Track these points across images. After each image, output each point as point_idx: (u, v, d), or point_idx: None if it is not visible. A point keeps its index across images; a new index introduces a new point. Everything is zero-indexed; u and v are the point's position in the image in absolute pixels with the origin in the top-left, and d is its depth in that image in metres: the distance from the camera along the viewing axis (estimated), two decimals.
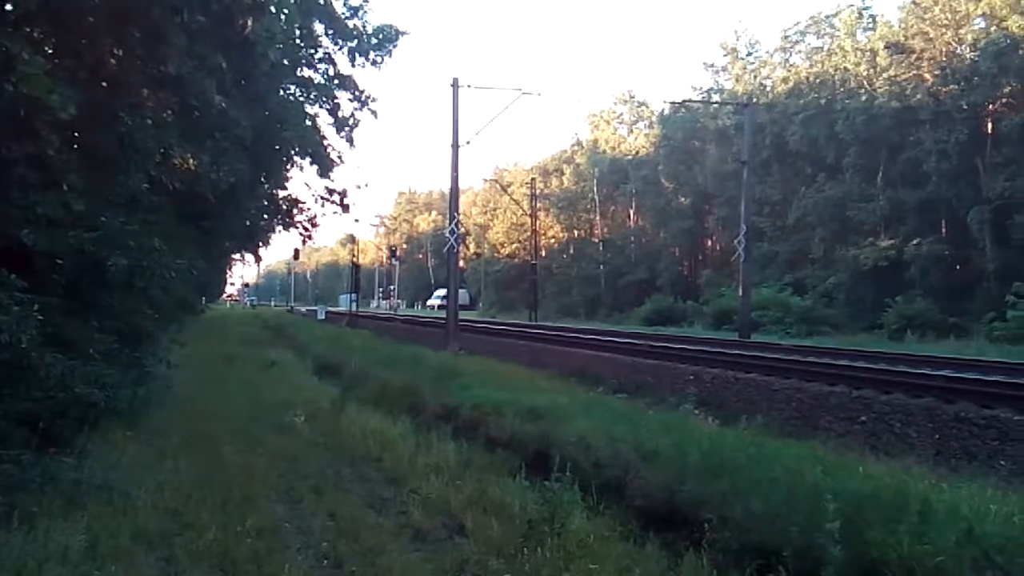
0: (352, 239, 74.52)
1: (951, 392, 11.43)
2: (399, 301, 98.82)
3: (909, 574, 4.43)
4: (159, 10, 7.85)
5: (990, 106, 37.00)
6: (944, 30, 39.10)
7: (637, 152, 67.52)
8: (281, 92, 19.09)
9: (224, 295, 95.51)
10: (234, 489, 6.93)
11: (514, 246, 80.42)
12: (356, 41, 20.99)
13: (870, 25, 47.26)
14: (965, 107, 37.12)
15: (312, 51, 20.90)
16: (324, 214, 26.25)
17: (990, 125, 37.07)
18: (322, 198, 25.36)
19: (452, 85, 28.02)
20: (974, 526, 4.67)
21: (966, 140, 36.57)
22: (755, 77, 56.71)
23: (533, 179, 70.12)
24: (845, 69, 46.24)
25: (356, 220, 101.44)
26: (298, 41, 18.54)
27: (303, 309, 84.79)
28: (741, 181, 34.46)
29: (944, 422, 10.27)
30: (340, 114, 23.25)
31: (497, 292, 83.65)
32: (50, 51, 8.00)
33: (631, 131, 72.37)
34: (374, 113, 23.52)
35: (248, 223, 26.27)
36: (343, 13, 20.69)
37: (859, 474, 6.17)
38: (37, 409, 6.81)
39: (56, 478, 6.15)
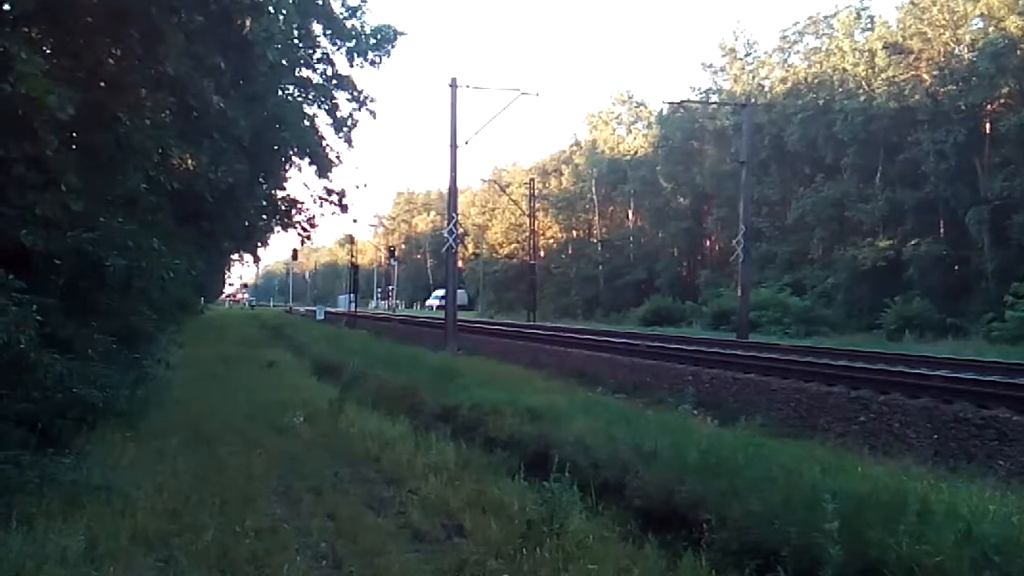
0: (351, 239, 74.54)
1: (949, 392, 11.43)
2: (397, 301, 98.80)
3: (908, 574, 4.43)
4: (157, 10, 7.84)
5: (988, 106, 37.02)
6: (942, 30, 39.13)
7: (635, 152, 67.50)
8: (279, 92, 19.09)
9: (223, 295, 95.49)
10: (233, 490, 6.91)
11: (513, 246, 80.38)
12: (354, 41, 20.98)
13: (868, 25, 47.33)
14: (963, 107, 37.15)
15: (310, 51, 20.91)
16: (323, 214, 26.29)
17: (988, 125, 37.09)
18: (320, 198, 25.40)
19: (450, 85, 28.04)
20: (973, 526, 4.67)
21: (964, 140, 36.58)
22: (753, 77, 56.74)
23: (532, 179, 70.06)
24: (843, 69, 46.27)
25: (355, 220, 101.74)
26: (296, 41, 18.54)
27: (302, 309, 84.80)
28: (740, 181, 34.50)
29: (943, 422, 10.28)
30: (338, 114, 23.28)
31: (496, 292, 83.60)
32: (48, 51, 8.01)
33: (629, 131, 72.38)
34: (372, 113, 23.55)
35: (247, 223, 26.26)
36: (341, 13, 20.69)
37: (858, 474, 6.18)
38: (36, 410, 6.80)
39: (55, 479, 6.14)
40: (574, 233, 76.21)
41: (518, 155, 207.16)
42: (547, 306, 67.38)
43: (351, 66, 21.62)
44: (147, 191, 9.94)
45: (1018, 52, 34.75)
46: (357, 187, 38.44)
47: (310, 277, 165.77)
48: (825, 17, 50.94)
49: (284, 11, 13.87)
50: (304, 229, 27.27)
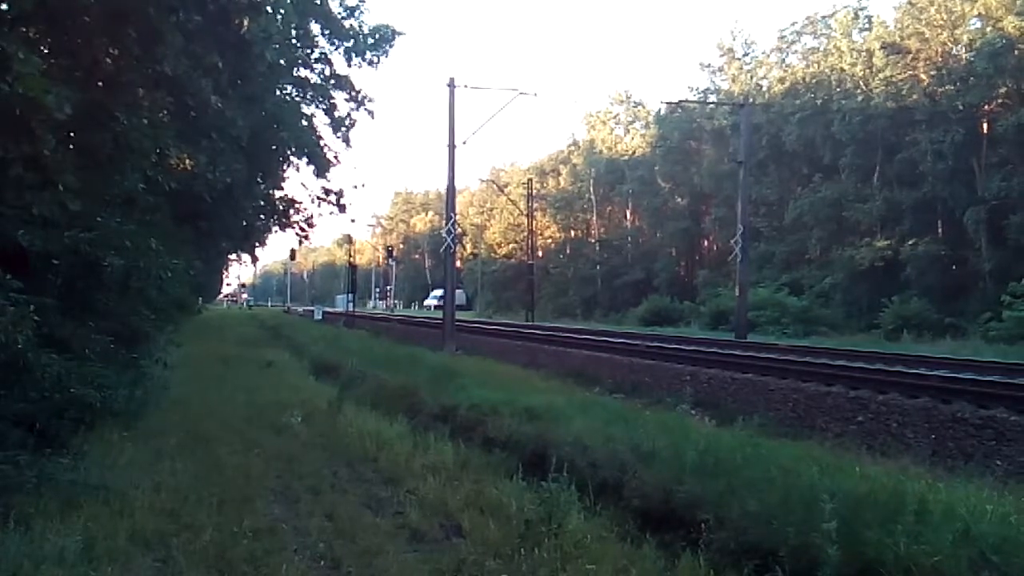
0: (349, 239, 74.66)
1: (948, 392, 11.45)
2: (396, 301, 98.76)
3: (906, 574, 4.43)
4: (155, 10, 7.83)
5: (986, 106, 37.07)
6: (940, 30, 39.19)
7: (633, 152, 67.57)
8: (277, 92, 19.09)
9: (221, 295, 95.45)
10: (231, 490, 6.91)
11: (511, 246, 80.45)
12: (352, 41, 20.99)
13: (866, 25, 47.41)
14: (961, 107, 37.20)
15: (308, 51, 20.91)
16: (320, 214, 26.36)
17: (986, 125, 37.15)
18: (319, 198, 25.44)
19: (448, 85, 28.00)
20: (971, 526, 4.67)
21: (962, 140, 36.65)
22: (751, 77, 56.82)
23: (530, 179, 70.12)
24: (841, 69, 46.33)
25: (353, 220, 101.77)
26: (294, 41, 18.53)
27: (300, 309, 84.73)
28: (737, 181, 34.54)
29: (941, 422, 10.29)
30: (336, 114, 23.31)
31: (494, 292, 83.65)
32: (46, 51, 8.00)
33: (627, 131, 72.49)
34: (371, 113, 23.59)
35: (244, 223, 26.30)
36: (339, 13, 20.70)
37: (856, 474, 6.17)
38: (33, 410, 6.80)
39: (53, 479, 6.13)
40: (572, 233, 76.23)
41: (516, 155, 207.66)
42: (545, 306, 67.41)
43: (349, 66, 21.66)
44: (145, 191, 9.93)
45: (1016, 52, 34.79)
46: (355, 187, 38.35)
47: (308, 277, 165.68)
48: (823, 17, 51.18)
49: (282, 11, 13.87)
50: (302, 229, 27.33)
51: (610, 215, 72.40)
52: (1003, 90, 36.37)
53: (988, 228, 35.28)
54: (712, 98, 56.68)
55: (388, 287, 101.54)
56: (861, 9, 47.96)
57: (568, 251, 75.25)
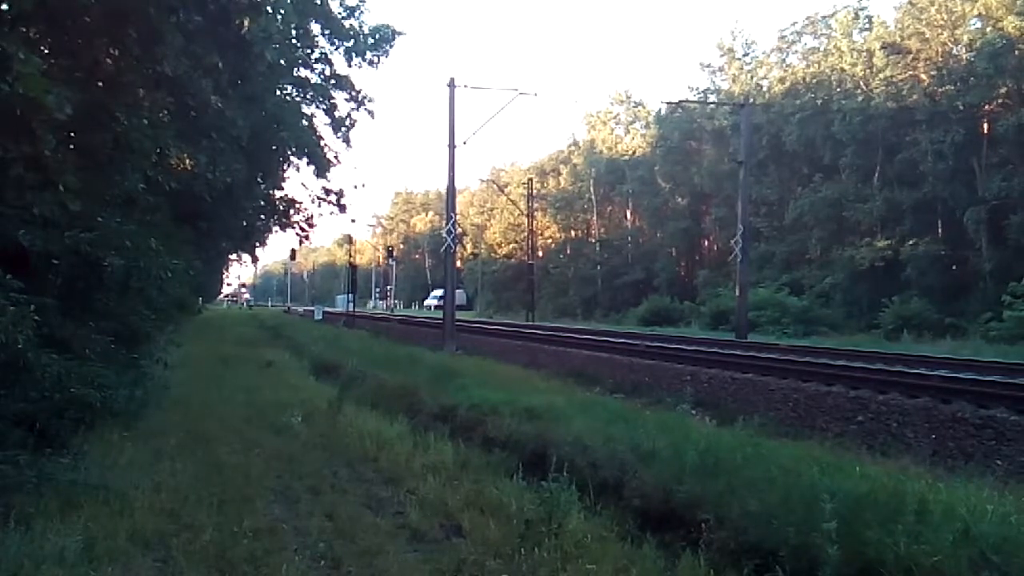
0: (349, 239, 74.56)
1: (948, 392, 11.46)
2: (396, 301, 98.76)
3: (906, 574, 4.43)
4: (155, 10, 7.83)
5: (986, 106, 37.07)
6: (940, 31, 39.19)
7: (634, 152, 67.56)
8: (278, 92, 19.10)
9: (221, 295, 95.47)
10: (231, 490, 6.91)
11: (511, 246, 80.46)
12: (353, 41, 21.01)
13: (866, 26, 47.39)
14: (961, 107, 37.20)
15: (309, 51, 20.92)
16: (321, 214, 26.44)
17: (986, 125, 37.15)
18: (319, 198, 25.50)
19: (448, 85, 28.01)
20: (971, 526, 4.67)
21: (962, 140, 36.66)
22: (751, 77, 56.79)
23: (530, 179, 70.12)
24: (841, 70, 46.34)
25: (353, 220, 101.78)
26: (295, 41, 18.54)
27: (300, 309, 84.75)
28: (738, 181, 34.55)
29: (941, 422, 10.29)
30: (337, 114, 23.34)
31: (494, 292, 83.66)
32: (46, 51, 8.00)
33: (628, 131, 72.44)
34: (371, 113, 23.62)
35: (245, 223, 26.35)
36: (340, 13, 20.72)
37: (856, 474, 6.17)
38: (34, 410, 6.80)
39: (53, 479, 6.14)
40: (572, 233, 76.22)
41: (516, 155, 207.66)
42: (545, 306, 67.42)
43: (349, 66, 21.69)
44: (145, 191, 9.94)
45: (1016, 52, 34.80)
46: (355, 187, 38.70)
47: (308, 277, 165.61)
48: (823, 17, 51.12)
49: (282, 11, 13.87)
50: (302, 229, 27.38)
51: (610, 215, 72.39)
52: (1003, 90, 36.37)
53: (988, 228, 35.29)
54: (712, 98, 56.67)
55: (388, 287, 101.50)
56: (861, 9, 48.02)
57: (568, 251, 75.23)
